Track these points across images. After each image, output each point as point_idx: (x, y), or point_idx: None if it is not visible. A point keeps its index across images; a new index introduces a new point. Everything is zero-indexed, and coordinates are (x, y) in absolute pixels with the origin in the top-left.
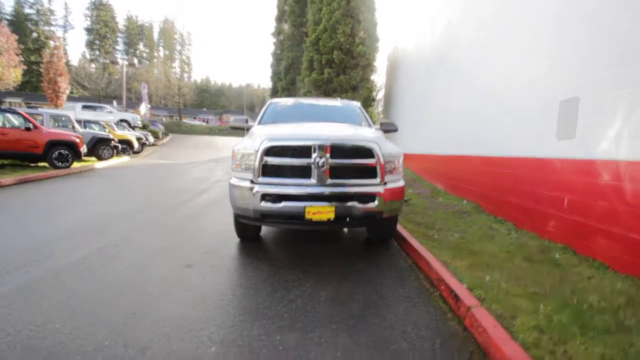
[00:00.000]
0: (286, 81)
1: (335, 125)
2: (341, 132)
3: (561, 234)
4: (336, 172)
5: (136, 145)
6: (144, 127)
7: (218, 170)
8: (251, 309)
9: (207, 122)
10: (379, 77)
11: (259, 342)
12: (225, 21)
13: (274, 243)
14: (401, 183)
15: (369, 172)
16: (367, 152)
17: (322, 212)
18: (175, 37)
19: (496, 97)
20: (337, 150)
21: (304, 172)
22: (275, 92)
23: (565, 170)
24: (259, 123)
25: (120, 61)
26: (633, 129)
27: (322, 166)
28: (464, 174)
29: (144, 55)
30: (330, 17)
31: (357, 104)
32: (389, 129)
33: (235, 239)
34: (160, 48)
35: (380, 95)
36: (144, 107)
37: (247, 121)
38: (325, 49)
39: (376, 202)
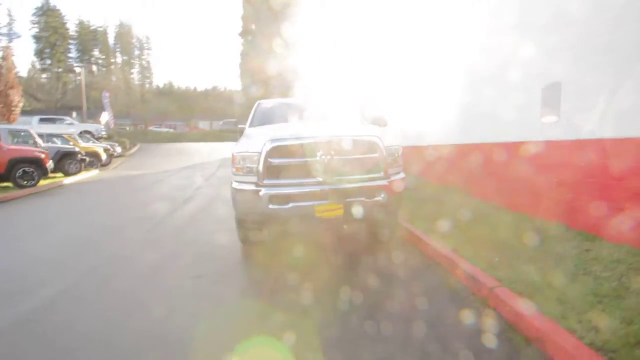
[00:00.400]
0: None
1: (333, 122)
2: (342, 128)
3: (550, 212)
4: (341, 168)
5: (104, 157)
6: (109, 138)
7: (197, 177)
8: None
9: (175, 128)
10: None
11: None
12: (185, 23)
13: (277, 246)
14: (403, 175)
15: (373, 166)
16: (371, 147)
17: (331, 209)
18: (133, 42)
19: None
20: (342, 146)
21: (309, 170)
22: (247, 93)
23: (553, 151)
24: (251, 125)
25: (77, 69)
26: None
27: (328, 163)
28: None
29: (100, 62)
30: None
31: (346, 100)
32: (378, 123)
33: (238, 245)
34: (118, 54)
35: None
36: (105, 116)
37: (236, 124)
38: None
39: (382, 196)
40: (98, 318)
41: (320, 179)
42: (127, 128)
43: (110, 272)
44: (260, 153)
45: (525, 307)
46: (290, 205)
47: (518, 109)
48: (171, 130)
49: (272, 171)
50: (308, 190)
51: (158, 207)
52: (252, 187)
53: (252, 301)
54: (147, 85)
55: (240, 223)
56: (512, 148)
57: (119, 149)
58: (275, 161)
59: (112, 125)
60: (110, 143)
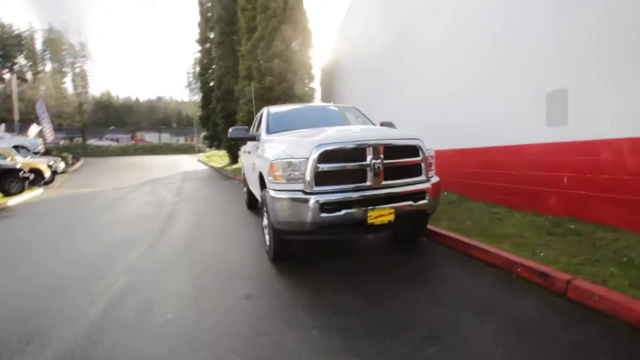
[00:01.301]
0: (221, 91)
1: (371, 126)
2: (385, 132)
3: (564, 208)
4: (389, 172)
5: (47, 173)
6: (48, 152)
7: (164, 192)
8: None
9: (117, 141)
10: (316, 87)
11: None
12: (126, 31)
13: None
14: (437, 178)
15: (416, 169)
16: (415, 150)
17: (383, 215)
18: (65, 48)
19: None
20: (389, 150)
21: (358, 176)
22: (207, 104)
23: (561, 152)
24: (269, 132)
25: (7, 75)
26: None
27: (377, 168)
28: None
29: (26, 69)
30: (266, 24)
31: (353, 107)
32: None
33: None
34: (48, 61)
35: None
36: (35, 129)
37: (245, 131)
38: (264, 57)
39: (426, 199)
40: None
41: (370, 184)
42: (62, 142)
43: None
44: (308, 159)
45: (616, 295)
46: (343, 212)
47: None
48: (113, 143)
49: (321, 177)
50: (360, 195)
51: (139, 230)
52: (300, 194)
53: None
54: (83, 95)
55: (278, 236)
56: (513, 151)
57: (62, 165)
58: (325, 167)
59: (50, 138)
60: (51, 158)
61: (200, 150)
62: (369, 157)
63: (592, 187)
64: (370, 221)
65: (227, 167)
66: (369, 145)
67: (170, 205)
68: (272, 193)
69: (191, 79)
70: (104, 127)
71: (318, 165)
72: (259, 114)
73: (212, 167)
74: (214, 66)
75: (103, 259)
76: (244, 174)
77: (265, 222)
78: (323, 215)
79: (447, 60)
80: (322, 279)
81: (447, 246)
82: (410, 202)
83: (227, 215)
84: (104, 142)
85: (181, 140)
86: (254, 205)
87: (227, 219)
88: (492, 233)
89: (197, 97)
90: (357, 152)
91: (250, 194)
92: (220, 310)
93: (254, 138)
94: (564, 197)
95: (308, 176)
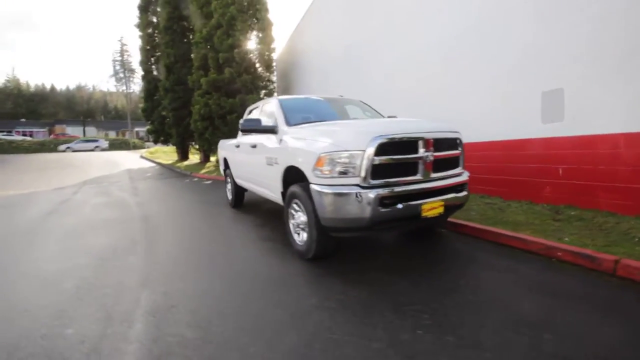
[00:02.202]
0: (170, 81)
1: (414, 119)
2: (431, 125)
3: (559, 197)
4: (436, 165)
5: None
6: None
7: (118, 192)
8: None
9: (32, 135)
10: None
11: None
12: (36, 11)
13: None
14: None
15: (456, 162)
16: (456, 143)
17: (434, 207)
18: None
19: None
20: (438, 143)
21: (410, 168)
22: (151, 95)
23: (558, 146)
24: (290, 124)
25: None
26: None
27: (429, 160)
28: None
29: None
30: (224, 12)
31: (360, 101)
32: None
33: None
34: None
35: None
36: None
37: (260, 122)
38: (222, 46)
39: (466, 191)
40: None
41: (420, 177)
42: None
43: None
44: (364, 151)
45: None
46: (400, 206)
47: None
48: (28, 137)
49: (376, 171)
50: (415, 188)
51: (116, 234)
52: (356, 189)
53: None
54: None
55: (324, 234)
56: (511, 145)
57: None
58: (381, 159)
59: None
60: None
61: (136, 146)
62: (421, 150)
63: (587, 178)
64: (424, 214)
65: (179, 164)
66: (422, 138)
67: (136, 207)
68: (320, 188)
69: (118, 68)
70: (13, 118)
71: (375, 157)
72: (259, 105)
73: (160, 164)
74: (158, 53)
75: (100, 272)
76: (225, 170)
77: (301, 219)
78: (382, 210)
79: (431, 59)
80: (386, 277)
81: (471, 236)
82: (454, 194)
83: (213, 216)
84: (15, 137)
85: (111, 134)
86: (240, 204)
87: (216, 221)
88: (504, 222)
89: (126, 88)
90: (410, 145)
91: (238, 192)
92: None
93: (270, 130)
94: (559, 187)
95: (364, 169)
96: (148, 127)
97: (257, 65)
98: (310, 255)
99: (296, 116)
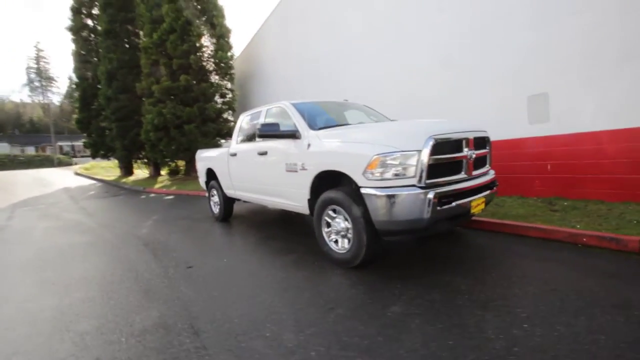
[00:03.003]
0: (113, 89)
1: (447, 119)
2: (468, 125)
3: (548, 190)
4: (475, 163)
5: None
6: None
7: (67, 215)
8: None
9: None
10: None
11: None
12: None
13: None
14: None
15: (486, 160)
16: (487, 142)
17: (479, 204)
18: None
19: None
20: (476, 141)
21: (456, 167)
22: (87, 105)
23: (545, 144)
24: (314, 128)
25: None
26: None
27: (471, 158)
28: None
29: None
30: (177, 16)
31: (365, 105)
32: None
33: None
34: None
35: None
36: None
37: (279, 127)
38: (176, 52)
39: (495, 187)
40: None
41: (464, 175)
42: None
43: None
44: (420, 151)
45: None
46: (454, 204)
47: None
48: None
49: (430, 171)
50: (465, 186)
51: (99, 263)
52: (414, 190)
53: None
54: None
55: (375, 237)
56: (500, 145)
57: None
58: (435, 158)
59: None
60: None
61: (62, 162)
62: (465, 149)
63: (574, 171)
64: (472, 211)
65: (125, 180)
66: (466, 137)
67: (101, 229)
68: (375, 191)
69: (33, 76)
70: None
71: (430, 157)
72: (260, 111)
73: (102, 180)
74: (95, 59)
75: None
76: (207, 183)
77: (341, 226)
78: (439, 209)
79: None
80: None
81: (488, 231)
82: (490, 191)
83: (209, 232)
84: None
85: (29, 150)
86: (229, 217)
87: (217, 237)
88: (510, 215)
89: (42, 98)
90: (457, 144)
91: (227, 205)
92: None
93: (290, 135)
94: (548, 181)
95: (420, 169)
96: (84, 140)
97: (215, 73)
98: (358, 262)
99: (317, 120)
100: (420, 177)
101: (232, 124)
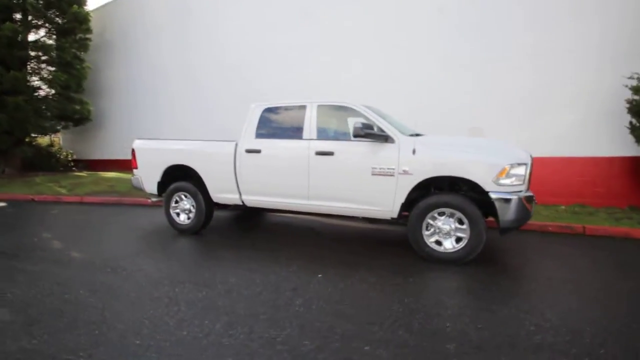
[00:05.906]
0: None
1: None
2: None
3: None
4: None
5: None
6: None
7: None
8: None
9: None
10: None
11: None
12: None
13: None
14: None
15: None
16: None
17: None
18: None
19: None
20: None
21: None
22: None
23: None
24: (405, 133)
25: None
26: None
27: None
28: None
29: None
30: None
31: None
32: None
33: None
34: None
35: None
36: None
37: (373, 128)
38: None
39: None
40: None
41: None
42: None
43: None
44: (528, 164)
45: None
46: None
47: None
48: None
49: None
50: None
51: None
52: (529, 193)
53: None
54: None
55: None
56: None
57: None
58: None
59: None
60: None
61: None
62: None
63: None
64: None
65: None
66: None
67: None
68: (507, 196)
69: None
70: None
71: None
72: (308, 103)
73: None
74: None
75: None
76: (160, 182)
77: (452, 226)
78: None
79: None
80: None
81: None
82: None
83: (204, 252)
84: None
85: None
86: (205, 227)
87: (222, 254)
88: None
89: None
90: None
91: (209, 212)
92: None
93: (382, 138)
94: None
95: (527, 177)
96: None
97: (60, 20)
98: (472, 257)
99: (396, 125)
100: (528, 183)
101: (88, 105)
